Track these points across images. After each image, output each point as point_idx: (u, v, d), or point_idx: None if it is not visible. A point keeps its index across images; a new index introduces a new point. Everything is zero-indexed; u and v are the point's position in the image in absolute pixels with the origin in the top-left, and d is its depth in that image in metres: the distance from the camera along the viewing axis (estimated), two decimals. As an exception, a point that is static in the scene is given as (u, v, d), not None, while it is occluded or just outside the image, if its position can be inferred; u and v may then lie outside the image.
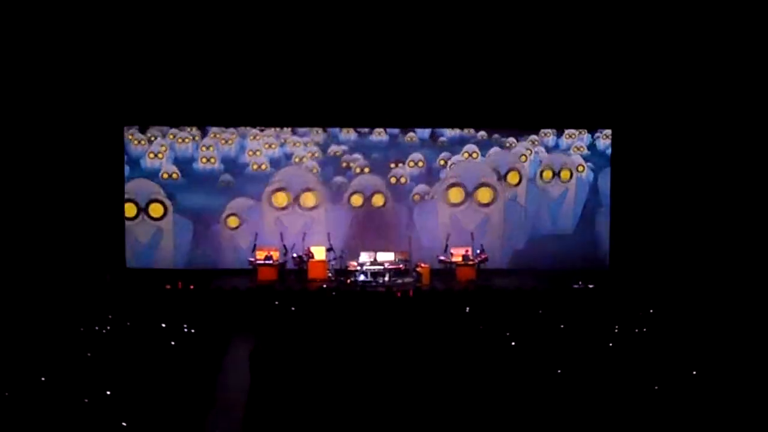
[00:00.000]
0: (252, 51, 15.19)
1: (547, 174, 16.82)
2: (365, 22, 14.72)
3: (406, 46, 15.15)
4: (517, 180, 16.82)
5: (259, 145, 16.57)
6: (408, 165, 16.72)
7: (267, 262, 15.33)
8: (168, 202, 16.29)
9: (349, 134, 16.72)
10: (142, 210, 16.27)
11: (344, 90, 15.66)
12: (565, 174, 16.86)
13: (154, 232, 16.32)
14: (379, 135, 16.76)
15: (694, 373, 7.52)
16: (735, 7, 14.28)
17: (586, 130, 16.84)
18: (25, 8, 14.03)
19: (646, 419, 6.37)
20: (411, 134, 16.79)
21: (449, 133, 16.81)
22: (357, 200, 16.64)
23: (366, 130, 16.71)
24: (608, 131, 16.73)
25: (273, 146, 16.57)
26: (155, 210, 16.31)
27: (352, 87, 15.62)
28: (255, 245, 15.61)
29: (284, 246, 15.74)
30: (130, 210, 16.19)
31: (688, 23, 14.64)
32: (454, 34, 15.07)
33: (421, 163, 16.75)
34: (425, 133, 16.80)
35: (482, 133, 16.78)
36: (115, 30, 14.61)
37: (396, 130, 16.74)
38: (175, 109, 15.91)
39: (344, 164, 16.64)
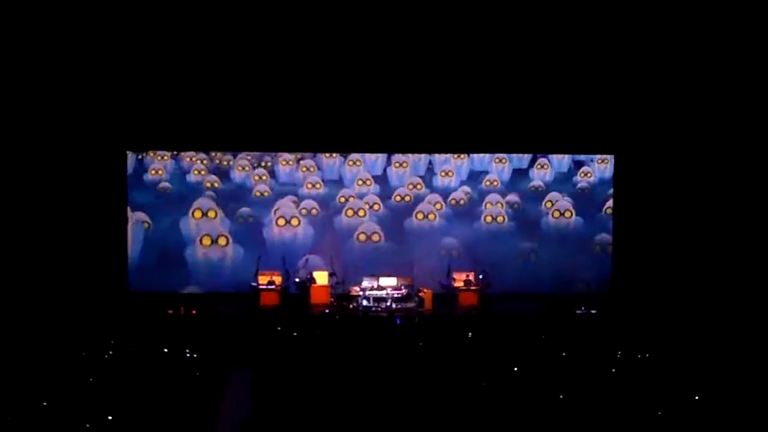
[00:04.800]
0: (263, 73, 15.26)
1: (548, 204, 16.90)
2: (375, 41, 14.76)
3: (403, 66, 15.20)
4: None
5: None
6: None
7: (269, 287, 15.34)
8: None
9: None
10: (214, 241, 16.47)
11: (357, 114, 15.76)
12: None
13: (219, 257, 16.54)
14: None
15: (697, 398, 7.50)
16: (737, 27, 14.35)
17: (590, 156, 16.97)
18: (29, 23, 14.08)
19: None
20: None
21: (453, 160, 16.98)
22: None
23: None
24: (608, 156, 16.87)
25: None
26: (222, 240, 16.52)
27: (374, 110, 15.72)
28: (258, 270, 15.62)
29: (287, 271, 15.76)
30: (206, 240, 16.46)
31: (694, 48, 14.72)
32: (452, 57, 15.12)
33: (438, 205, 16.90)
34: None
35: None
36: (120, 51, 14.68)
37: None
38: (178, 133, 16.00)
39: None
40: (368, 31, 14.44)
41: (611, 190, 16.73)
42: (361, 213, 16.69)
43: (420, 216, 16.76)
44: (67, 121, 15.27)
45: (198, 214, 16.44)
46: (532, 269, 16.74)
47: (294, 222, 16.60)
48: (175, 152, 16.55)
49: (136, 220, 16.28)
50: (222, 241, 16.42)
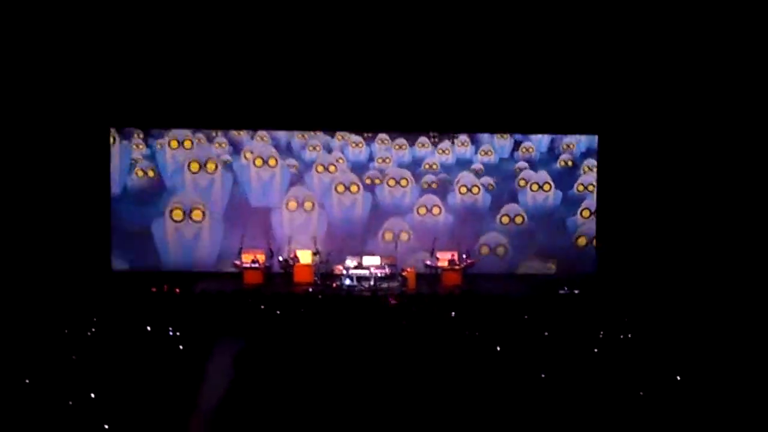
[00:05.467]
0: (250, 50, 15.15)
1: (534, 186, 16.92)
2: (362, 20, 14.68)
3: (392, 49, 15.14)
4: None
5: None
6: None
7: (253, 265, 15.32)
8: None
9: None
10: (187, 214, 16.38)
11: (347, 93, 15.70)
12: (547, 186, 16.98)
13: (195, 233, 16.47)
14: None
15: (679, 378, 7.55)
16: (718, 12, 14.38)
17: (572, 136, 16.99)
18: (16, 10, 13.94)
19: (631, 425, 6.38)
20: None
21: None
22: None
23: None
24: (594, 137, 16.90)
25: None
26: (197, 214, 16.45)
27: (354, 90, 15.65)
28: (241, 248, 15.59)
29: (270, 249, 15.74)
30: (177, 214, 16.39)
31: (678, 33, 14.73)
32: (442, 39, 15.09)
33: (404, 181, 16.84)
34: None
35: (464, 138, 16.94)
36: (103, 29, 14.55)
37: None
38: (165, 111, 15.88)
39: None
40: (349, 16, 14.39)
41: (593, 162, 16.84)
42: (332, 169, 16.74)
43: (392, 183, 16.85)
44: (51, 100, 15.15)
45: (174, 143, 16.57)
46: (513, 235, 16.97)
47: (271, 162, 16.63)
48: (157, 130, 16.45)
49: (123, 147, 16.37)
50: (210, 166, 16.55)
